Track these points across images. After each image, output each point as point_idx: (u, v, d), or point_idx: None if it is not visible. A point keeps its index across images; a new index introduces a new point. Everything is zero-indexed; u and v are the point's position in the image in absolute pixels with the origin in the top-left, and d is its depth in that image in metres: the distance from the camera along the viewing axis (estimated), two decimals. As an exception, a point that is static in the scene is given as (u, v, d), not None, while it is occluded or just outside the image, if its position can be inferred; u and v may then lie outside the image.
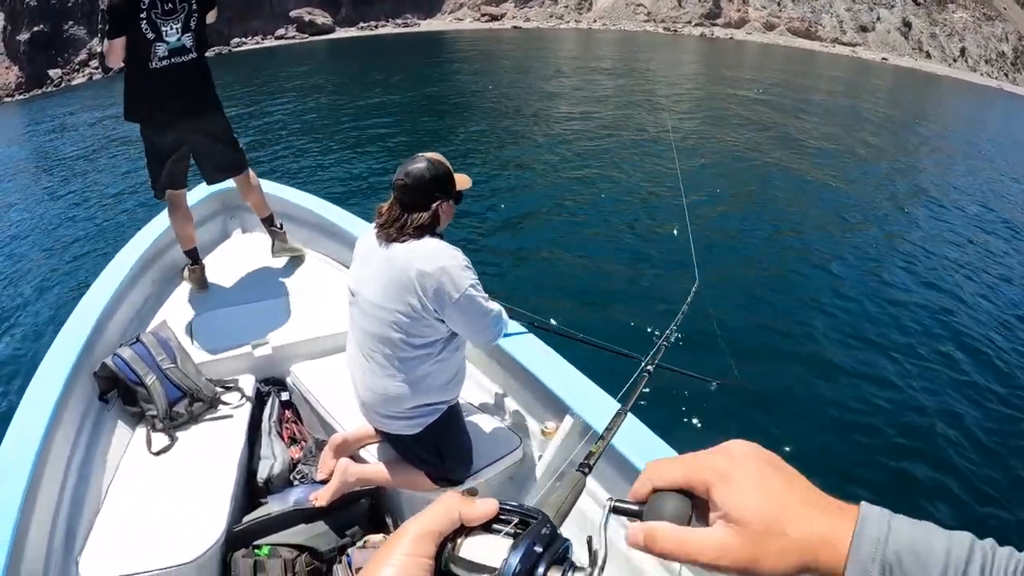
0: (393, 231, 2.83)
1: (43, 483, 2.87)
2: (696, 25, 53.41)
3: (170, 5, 4.16)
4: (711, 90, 26.30)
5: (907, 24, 55.60)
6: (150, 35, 4.15)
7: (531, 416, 3.65)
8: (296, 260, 5.18)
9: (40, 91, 37.88)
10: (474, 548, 0.70)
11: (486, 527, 0.72)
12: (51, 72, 41.63)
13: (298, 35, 46.44)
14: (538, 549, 0.67)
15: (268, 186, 5.51)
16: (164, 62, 4.26)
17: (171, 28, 4.21)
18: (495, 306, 2.93)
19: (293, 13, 47.08)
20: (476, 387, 3.87)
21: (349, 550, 3.06)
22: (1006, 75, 55.07)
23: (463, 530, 0.71)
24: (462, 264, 2.78)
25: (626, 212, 10.74)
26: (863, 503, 0.63)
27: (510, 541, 0.69)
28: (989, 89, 47.49)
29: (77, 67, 42.77)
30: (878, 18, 55.63)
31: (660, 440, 2.94)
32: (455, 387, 3.14)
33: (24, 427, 2.97)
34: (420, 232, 2.82)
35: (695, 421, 5.59)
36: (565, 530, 0.76)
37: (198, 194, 5.38)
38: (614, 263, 8.66)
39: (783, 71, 35.94)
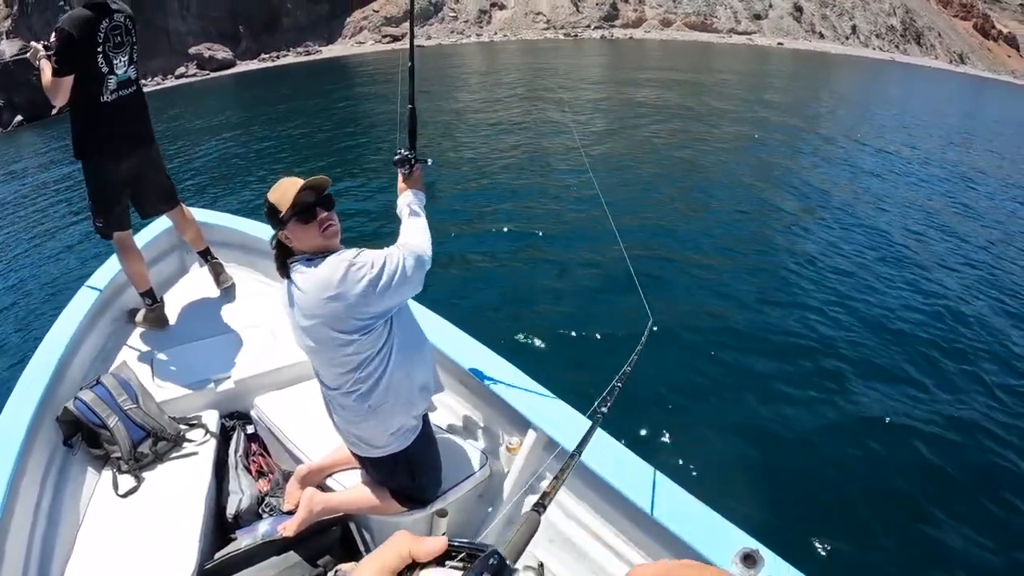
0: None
1: (11, 533, 2.78)
2: (596, 28, 54.35)
3: (120, 38, 4.07)
4: (616, 93, 26.24)
5: (798, 8, 57.42)
6: (104, 68, 4.03)
7: (495, 433, 3.61)
8: (254, 291, 5.08)
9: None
10: None
11: (439, 563, 0.75)
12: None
13: (199, 72, 45.81)
14: None
15: (208, 215, 5.44)
16: (114, 95, 4.15)
17: (120, 60, 4.12)
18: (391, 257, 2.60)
19: (192, 50, 46.47)
20: (440, 406, 3.70)
21: (321, 581, 2.98)
22: (897, 47, 57.30)
23: (416, 566, 0.74)
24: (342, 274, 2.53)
25: (556, 237, 10.10)
26: None
27: (460, 573, 0.73)
28: (883, 62, 49.20)
29: (-28, 124, 41.54)
30: (770, 5, 57.36)
31: (629, 452, 2.94)
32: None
33: None
34: (284, 268, 2.72)
35: (664, 432, 5.60)
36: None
37: (152, 231, 5.25)
38: (556, 296, 8.18)
39: (684, 66, 36.41)
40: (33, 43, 4.14)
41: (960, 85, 43.30)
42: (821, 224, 10.87)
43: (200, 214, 5.25)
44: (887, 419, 5.97)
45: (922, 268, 9.35)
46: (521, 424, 3.32)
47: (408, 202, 2.95)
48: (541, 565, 2.76)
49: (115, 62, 4.09)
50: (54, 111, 4.38)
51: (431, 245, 2.79)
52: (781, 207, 11.75)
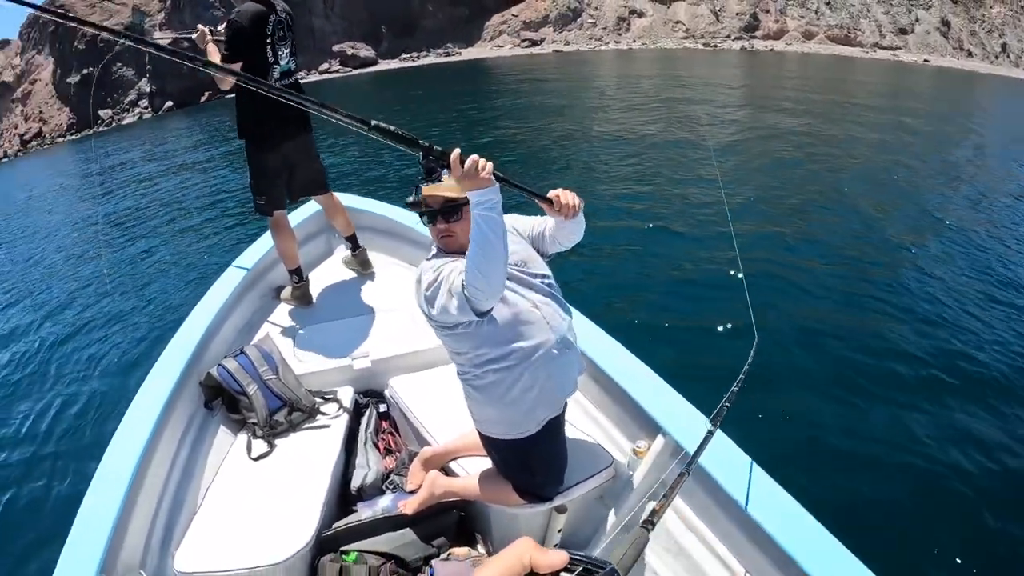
0: None
1: (147, 480, 3.02)
2: (735, 39, 53.36)
3: (283, 32, 4.44)
4: (753, 106, 25.59)
5: (946, 23, 54.90)
6: (271, 59, 4.41)
7: (623, 434, 3.51)
8: (396, 275, 5.31)
9: (91, 131, 38.87)
10: None
11: (555, 575, 0.79)
12: (101, 112, 42.79)
13: (342, 69, 47.23)
14: None
15: (355, 200, 5.69)
16: (277, 84, 4.44)
17: (283, 52, 4.48)
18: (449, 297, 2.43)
19: (336, 47, 47.99)
20: (570, 402, 3.44)
21: (432, 561, 3.02)
22: (1052, 67, 54.16)
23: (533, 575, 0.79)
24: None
25: (676, 250, 9.83)
26: None
27: None
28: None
29: (127, 107, 43.93)
30: (916, 19, 55.02)
31: (750, 460, 2.81)
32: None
33: (131, 430, 3.12)
34: None
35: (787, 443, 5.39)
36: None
37: (303, 213, 5.55)
38: (668, 309, 7.89)
39: (824, 80, 35.20)
40: (200, 26, 4.48)
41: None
42: (953, 257, 10.26)
43: (347, 199, 5.52)
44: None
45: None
46: (651, 427, 3.26)
47: (473, 213, 2.29)
48: None
49: (279, 53, 4.46)
50: (203, 98, 4.68)
51: (485, 270, 2.29)
52: (911, 236, 11.08)
